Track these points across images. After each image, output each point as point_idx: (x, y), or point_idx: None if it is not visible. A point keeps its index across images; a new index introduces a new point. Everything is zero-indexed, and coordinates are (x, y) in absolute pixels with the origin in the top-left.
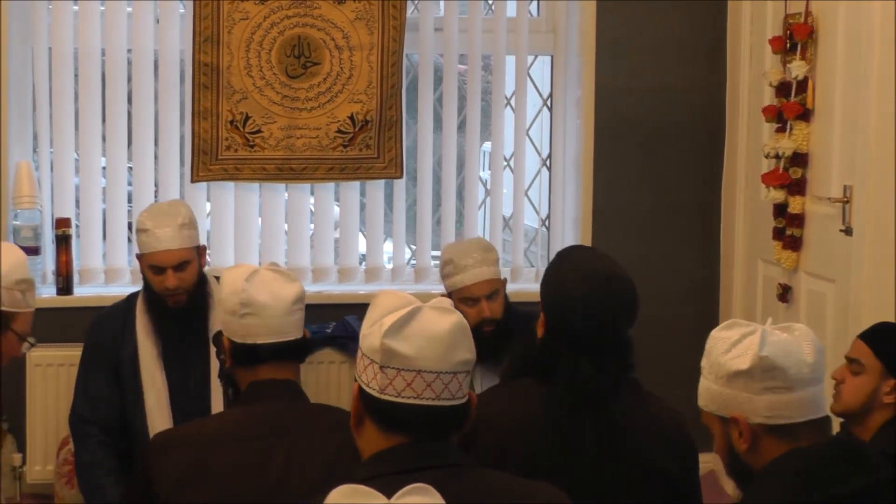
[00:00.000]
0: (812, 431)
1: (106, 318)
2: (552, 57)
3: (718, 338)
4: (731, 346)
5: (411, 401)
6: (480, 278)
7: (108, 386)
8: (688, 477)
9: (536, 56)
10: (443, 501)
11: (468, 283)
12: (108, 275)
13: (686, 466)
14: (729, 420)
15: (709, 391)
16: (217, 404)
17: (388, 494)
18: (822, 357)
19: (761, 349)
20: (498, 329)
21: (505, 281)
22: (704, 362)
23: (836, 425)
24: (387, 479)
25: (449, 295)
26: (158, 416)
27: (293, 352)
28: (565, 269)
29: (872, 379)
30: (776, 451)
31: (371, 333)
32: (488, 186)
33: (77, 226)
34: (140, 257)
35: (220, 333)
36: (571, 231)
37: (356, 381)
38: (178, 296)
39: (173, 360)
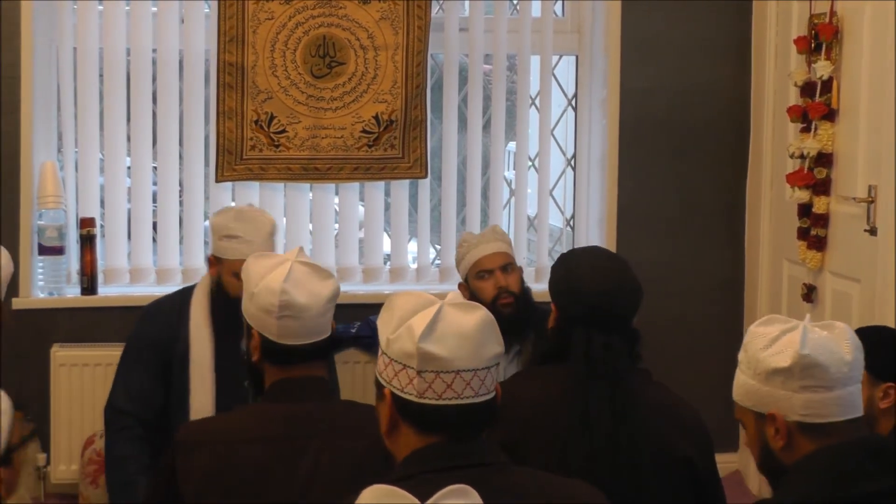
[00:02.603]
0: (847, 430)
1: (159, 313)
2: (577, 57)
3: (757, 333)
4: (770, 343)
5: (453, 402)
6: (494, 250)
7: (151, 380)
8: (705, 461)
9: (561, 56)
10: (481, 502)
11: (482, 255)
12: (132, 275)
13: (703, 451)
14: (765, 416)
15: (745, 386)
16: None
17: (424, 493)
18: (861, 355)
19: (803, 347)
20: (516, 305)
21: (521, 269)
22: (742, 356)
23: None
24: (423, 477)
25: (465, 280)
26: (203, 416)
27: (325, 350)
28: (569, 257)
29: (864, 389)
30: (809, 449)
31: (400, 338)
32: (513, 186)
33: (102, 226)
34: (220, 261)
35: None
36: (596, 231)
37: (384, 387)
38: None
39: (225, 364)
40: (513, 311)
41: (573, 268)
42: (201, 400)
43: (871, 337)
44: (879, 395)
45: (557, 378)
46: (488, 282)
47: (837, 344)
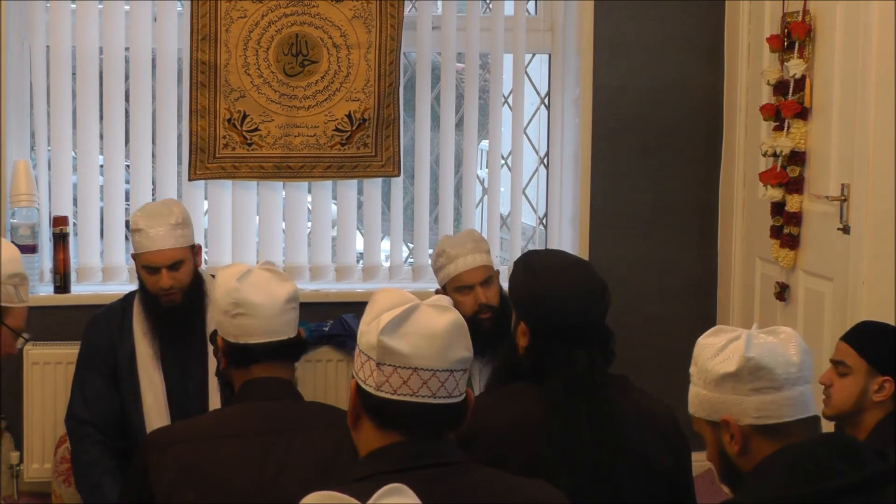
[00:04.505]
0: (802, 430)
1: (102, 319)
2: (550, 55)
3: (705, 344)
4: (717, 352)
5: (407, 398)
6: (473, 265)
7: (105, 386)
8: (682, 471)
9: (534, 55)
10: (418, 501)
11: (461, 270)
12: (105, 273)
13: (680, 459)
14: (720, 424)
15: (698, 397)
16: (215, 403)
17: None
18: (809, 357)
19: (747, 351)
20: (495, 318)
21: (498, 273)
22: (693, 369)
23: (828, 429)
24: (381, 477)
25: (443, 288)
26: (157, 416)
27: (286, 351)
28: (533, 272)
29: (860, 379)
30: (767, 452)
31: (369, 330)
32: (486, 185)
33: (74, 224)
34: (135, 257)
35: (216, 332)
36: (569, 229)
37: (353, 377)
38: (172, 295)
39: (171, 359)
40: (492, 325)
41: (540, 282)
42: (152, 400)
43: (876, 330)
44: (875, 388)
45: (533, 398)
46: (468, 297)
47: (783, 347)
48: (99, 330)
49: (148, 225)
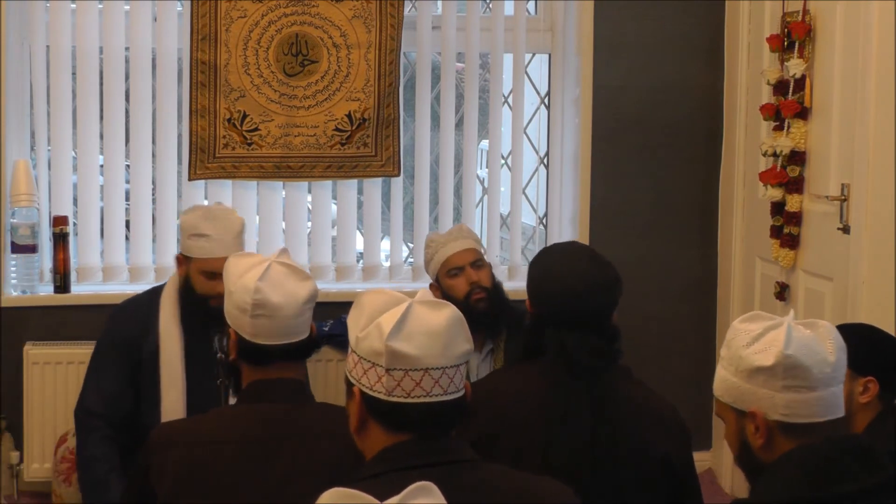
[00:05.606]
0: (828, 431)
1: (130, 312)
2: (550, 55)
3: (740, 329)
4: (753, 340)
5: (422, 399)
6: (462, 247)
7: (121, 380)
8: (682, 459)
9: (534, 54)
10: (443, 500)
11: (450, 253)
12: (105, 273)
13: (680, 448)
14: (746, 414)
15: (726, 382)
16: None
17: (392, 491)
18: (844, 355)
19: (787, 347)
20: (489, 301)
21: (490, 266)
22: (724, 352)
23: None
24: (391, 476)
25: (436, 280)
26: (174, 414)
27: (301, 352)
28: (547, 255)
29: (845, 384)
30: (789, 448)
31: (369, 336)
32: (486, 184)
33: (74, 224)
34: (189, 260)
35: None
36: (569, 229)
37: (353, 384)
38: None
39: (196, 360)
40: (486, 306)
41: (546, 268)
42: (172, 398)
43: (851, 333)
44: (859, 390)
45: (537, 374)
46: (460, 279)
47: (821, 344)
48: (123, 323)
49: (215, 232)
